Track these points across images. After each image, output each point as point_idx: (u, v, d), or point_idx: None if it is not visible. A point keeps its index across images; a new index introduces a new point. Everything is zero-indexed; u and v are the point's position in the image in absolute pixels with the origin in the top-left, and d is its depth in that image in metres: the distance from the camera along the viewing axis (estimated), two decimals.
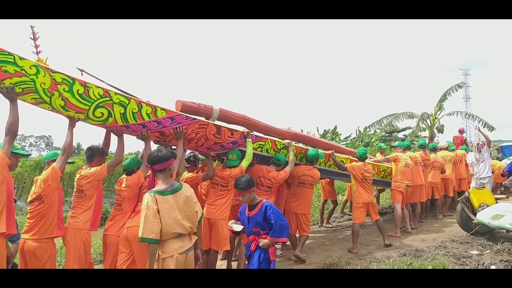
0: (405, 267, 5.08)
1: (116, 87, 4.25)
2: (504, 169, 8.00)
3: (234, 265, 5.79)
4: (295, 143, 6.20)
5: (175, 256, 3.14)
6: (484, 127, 19.38)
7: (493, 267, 3.85)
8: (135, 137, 4.47)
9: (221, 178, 5.08)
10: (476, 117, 19.80)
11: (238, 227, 4.28)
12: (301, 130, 22.32)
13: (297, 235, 6.36)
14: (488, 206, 6.75)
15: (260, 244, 3.82)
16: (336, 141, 21.20)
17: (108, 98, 3.94)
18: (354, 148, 10.35)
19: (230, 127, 5.13)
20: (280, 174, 5.55)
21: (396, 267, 5.12)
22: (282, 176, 5.57)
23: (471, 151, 8.60)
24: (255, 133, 5.68)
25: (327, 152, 6.67)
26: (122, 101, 4.03)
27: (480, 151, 8.41)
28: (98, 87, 3.89)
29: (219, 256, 5.78)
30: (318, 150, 6.35)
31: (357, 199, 6.70)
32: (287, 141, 5.87)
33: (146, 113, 4.23)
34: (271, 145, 5.67)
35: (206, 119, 4.99)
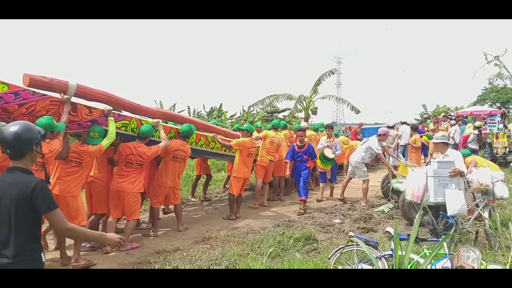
0: (278, 237, 5.43)
1: None
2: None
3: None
4: (164, 122, 6.06)
5: None
6: (352, 110, 21.61)
7: (350, 233, 4.23)
8: None
9: (76, 154, 4.73)
10: (345, 101, 21.92)
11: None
12: (188, 106, 22.09)
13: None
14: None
15: None
16: (222, 119, 21.36)
17: None
18: None
19: (88, 105, 4.76)
20: (151, 149, 5.36)
21: (270, 237, 5.47)
22: (154, 151, 5.39)
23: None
24: (125, 113, 5.36)
25: (201, 133, 6.67)
26: None
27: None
28: None
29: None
30: (191, 125, 6.28)
31: (238, 173, 7.05)
32: (155, 120, 5.68)
33: None
34: (137, 124, 5.41)
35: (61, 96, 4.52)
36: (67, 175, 4.70)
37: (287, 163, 7.96)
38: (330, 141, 8.66)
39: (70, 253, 4.85)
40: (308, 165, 7.74)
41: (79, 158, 4.74)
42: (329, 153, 8.27)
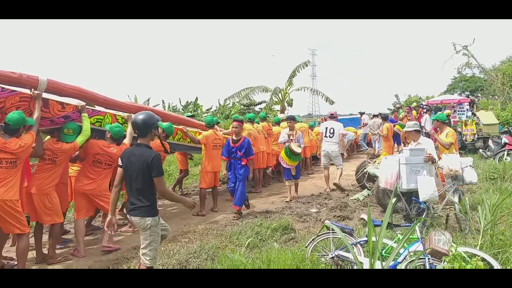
0: (256, 228, 5.48)
1: None
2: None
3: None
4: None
5: None
6: (326, 101, 21.90)
7: (326, 222, 4.32)
8: None
9: (50, 152, 4.63)
10: (320, 92, 22.18)
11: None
12: (163, 101, 21.85)
13: None
14: None
15: None
16: (198, 113, 21.22)
17: None
18: None
19: (61, 100, 4.63)
20: (121, 149, 5.13)
21: (248, 228, 5.51)
22: (123, 149, 5.21)
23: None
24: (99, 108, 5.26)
25: (178, 127, 6.61)
26: None
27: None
28: None
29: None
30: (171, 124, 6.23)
31: (206, 167, 6.98)
32: (127, 114, 5.55)
33: None
34: (111, 120, 5.31)
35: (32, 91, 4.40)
36: (40, 172, 4.61)
37: (223, 160, 6.96)
38: (293, 134, 7.98)
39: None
40: (243, 163, 6.70)
41: (53, 155, 4.64)
42: (296, 147, 7.59)
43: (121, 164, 3.46)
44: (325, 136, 8.56)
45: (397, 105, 22.15)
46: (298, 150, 7.56)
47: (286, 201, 7.74)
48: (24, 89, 4.34)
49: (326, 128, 8.59)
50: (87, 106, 4.91)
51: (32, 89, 4.31)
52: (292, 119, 8.31)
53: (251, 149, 6.75)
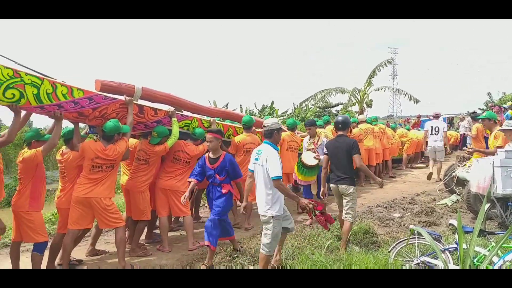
0: (336, 230, 5.40)
1: (28, 67, 4.09)
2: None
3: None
4: (221, 121, 6.27)
5: None
6: (410, 100, 20.82)
7: (412, 226, 4.17)
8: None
9: (144, 152, 5.04)
10: (402, 91, 21.14)
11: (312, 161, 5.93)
12: (240, 105, 22.51)
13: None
14: None
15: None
16: (273, 116, 21.49)
17: (19, 79, 3.82)
18: None
19: (154, 106, 5.07)
20: (198, 149, 5.38)
21: (327, 231, 5.38)
22: (200, 150, 5.35)
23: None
24: (186, 112, 5.64)
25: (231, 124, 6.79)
26: (35, 82, 3.93)
27: None
28: (6, 67, 3.74)
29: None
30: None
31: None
32: (211, 118, 5.89)
33: (62, 94, 4.14)
34: (198, 123, 5.67)
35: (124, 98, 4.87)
36: (136, 172, 5.04)
37: (189, 182, 4.82)
38: (314, 142, 6.65)
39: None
40: (224, 191, 4.66)
41: (146, 156, 5.04)
42: (309, 159, 6.12)
43: (327, 152, 4.93)
44: (431, 134, 9.82)
45: (490, 104, 20.28)
46: (311, 162, 6.06)
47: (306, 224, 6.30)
48: (122, 97, 4.80)
49: (432, 127, 9.91)
50: (176, 112, 5.30)
51: (125, 96, 4.72)
52: (311, 125, 6.85)
53: (236, 169, 4.78)
